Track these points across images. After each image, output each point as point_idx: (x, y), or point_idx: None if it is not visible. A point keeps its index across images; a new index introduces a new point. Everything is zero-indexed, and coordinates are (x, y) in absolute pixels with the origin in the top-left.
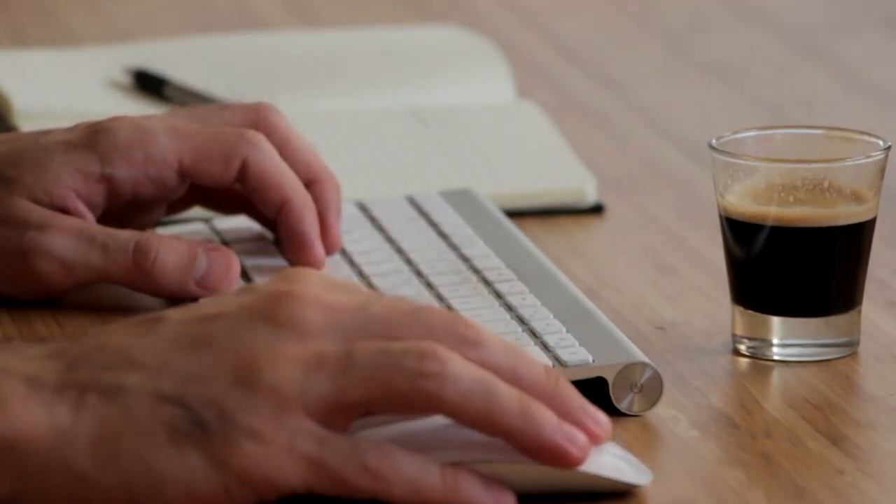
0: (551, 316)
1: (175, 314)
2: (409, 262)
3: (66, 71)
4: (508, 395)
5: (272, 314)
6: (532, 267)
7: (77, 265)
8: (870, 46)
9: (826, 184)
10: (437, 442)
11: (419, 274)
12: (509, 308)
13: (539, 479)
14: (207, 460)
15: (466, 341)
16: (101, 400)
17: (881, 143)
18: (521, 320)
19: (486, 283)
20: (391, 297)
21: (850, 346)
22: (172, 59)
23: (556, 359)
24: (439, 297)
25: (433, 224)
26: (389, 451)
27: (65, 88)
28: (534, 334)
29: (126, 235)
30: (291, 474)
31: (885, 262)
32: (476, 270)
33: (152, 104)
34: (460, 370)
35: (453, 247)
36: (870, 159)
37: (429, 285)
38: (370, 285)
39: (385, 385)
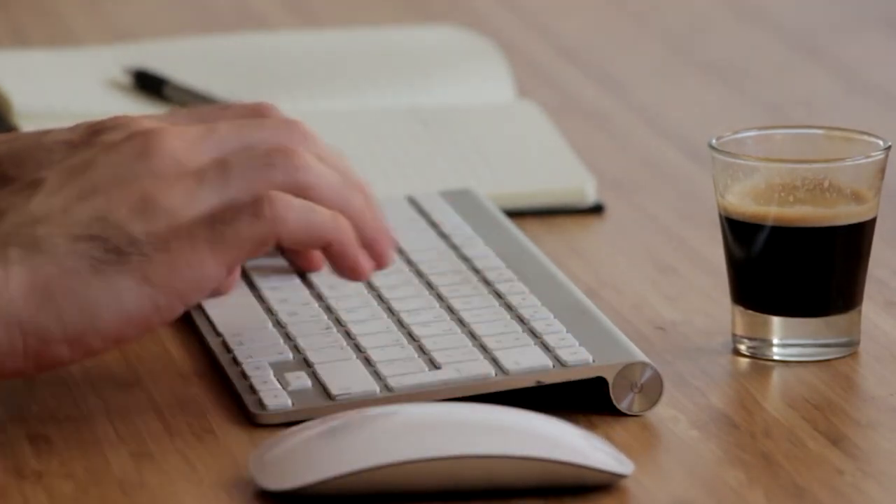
0: (551, 316)
1: (49, 174)
2: (409, 262)
3: (66, 71)
4: (355, 185)
5: (142, 150)
6: (532, 267)
7: None
8: (870, 46)
9: (826, 184)
10: (435, 434)
11: (419, 274)
12: (509, 308)
13: (531, 473)
14: (130, 279)
15: (305, 139)
16: (23, 252)
17: (881, 143)
18: (521, 320)
19: (486, 283)
20: (230, 118)
21: (850, 346)
22: (172, 59)
23: (557, 359)
24: (439, 297)
25: (433, 224)
26: (276, 197)
27: (65, 88)
28: (534, 334)
29: None
30: (202, 264)
31: (885, 262)
32: (476, 270)
33: (152, 104)
34: (316, 163)
35: (453, 247)
36: (870, 159)
37: (429, 285)
38: (370, 285)
39: (264, 182)
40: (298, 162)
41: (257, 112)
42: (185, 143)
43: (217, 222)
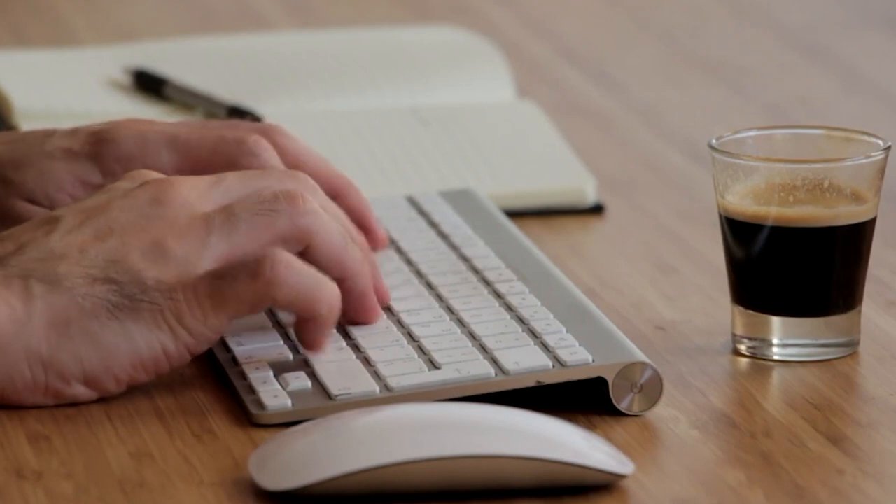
0: (551, 316)
1: (66, 212)
2: (409, 262)
3: (66, 71)
4: (354, 239)
5: (155, 197)
6: (532, 267)
7: None
8: (870, 46)
9: (826, 184)
10: (435, 434)
11: (419, 274)
12: (509, 308)
13: (531, 473)
14: (143, 325)
15: (309, 188)
16: (45, 288)
17: (881, 143)
18: (521, 320)
19: (486, 283)
20: (234, 172)
21: (850, 346)
22: (172, 60)
23: (556, 359)
24: (439, 297)
25: (433, 224)
26: (279, 259)
27: (65, 88)
28: (534, 334)
29: None
30: (205, 317)
31: (885, 262)
32: (476, 270)
33: (152, 104)
34: (320, 209)
35: (453, 247)
36: (870, 159)
37: (429, 285)
38: None
39: (270, 226)
40: (303, 207)
41: (264, 132)
42: (195, 192)
43: (217, 279)
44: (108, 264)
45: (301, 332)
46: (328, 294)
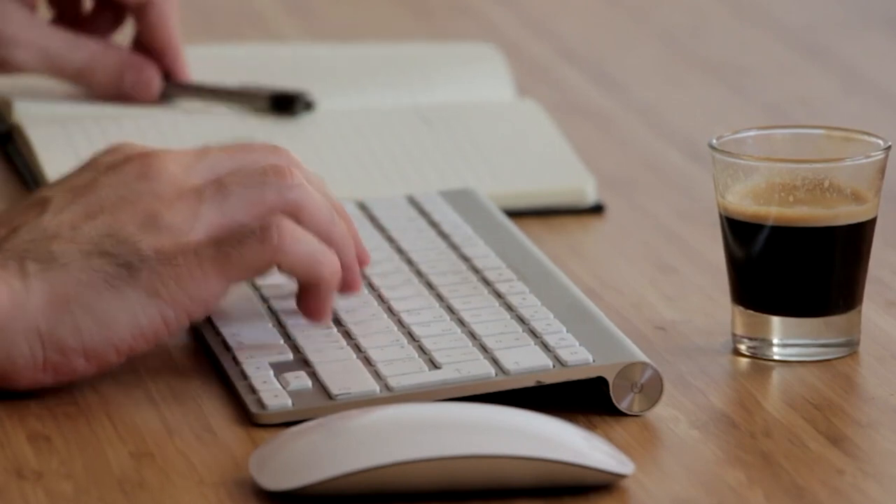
0: (551, 316)
1: (55, 192)
2: (409, 262)
3: None
4: (339, 213)
5: (143, 171)
6: (532, 267)
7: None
8: (870, 46)
9: (826, 184)
10: (435, 434)
11: (419, 274)
12: (509, 308)
13: (531, 473)
14: (141, 293)
15: (293, 162)
16: (41, 267)
17: (881, 143)
18: (521, 320)
19: (486, 283)
20: (217, 144)
21: (850, 346)
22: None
23: (557, 359)
24: (439, 297)
25: (433, 224)
26: (285, 227)
27: (65, 89)
28: (534, 334)
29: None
30: (207, 282)
31: (885, 262)
32: (476, 270)
33: (151, 102)
34: (306, 183)
35: (453, 247)
36: (870, 159)
37: (429, 285)
38: (370, 285)
39: (259, 201)
40: (291, 181)
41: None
42: (181, 165)
43: (224, 244)
44: (103, 238)
45: (305, 301)
46: (331, 260)
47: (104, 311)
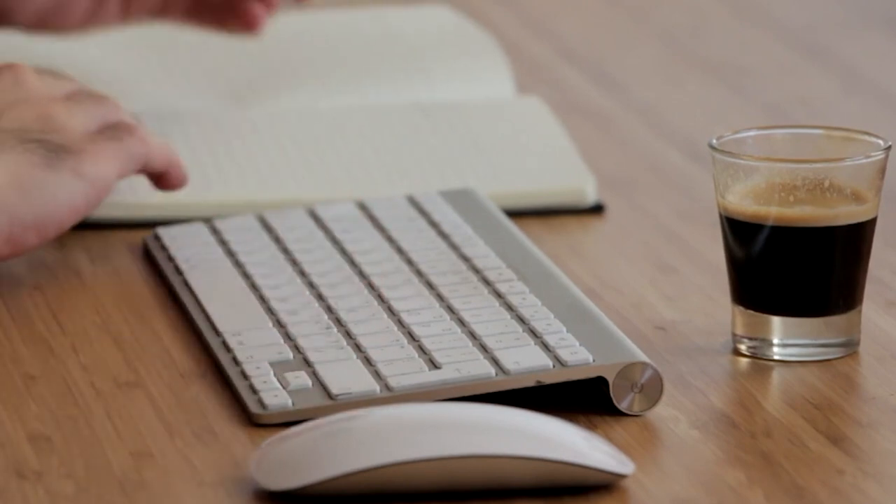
0: (551, 316)
1: None
2: (409, 262)
3: None
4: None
5: (17, 79)
6: (532, 267)
7: None
8: (870, 46)
9: (826, 184)
10: (435, 434)
11: (419, 274)
12: (509, 308)
13: (531, 473)
14: (70, 175)
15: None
16: None
17: (881, 143)
18: (521, 320)
19: (486, 283)
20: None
21: (851, 346)
22: (171, 50)
23: (557, 359)
24: (439, 297)
25: (433, 224)
26: (139, 131)
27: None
28: (534, 334)
29: None
30: (109, 167)
31: (886, 262)
32: (476, 270)
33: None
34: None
35: (453, 247)
36: (870, 159)
37: (429, 285)
38: (370, 285)
39: (115, 106)
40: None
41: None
42: (36, 75)
43: (113, 136)
44: (22, 131)
45: (168, 178)
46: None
47: (48, 189)
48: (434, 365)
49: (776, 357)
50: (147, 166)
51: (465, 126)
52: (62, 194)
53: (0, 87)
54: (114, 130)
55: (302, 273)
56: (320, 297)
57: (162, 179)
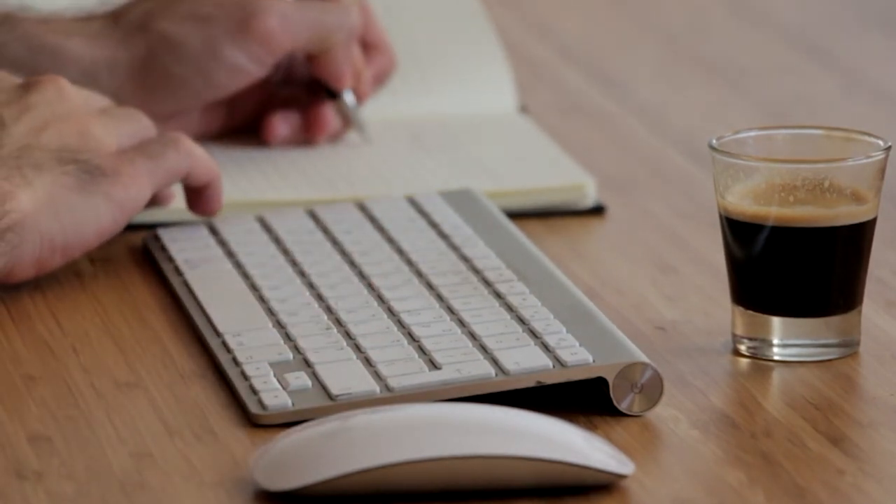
0: (552, 316)
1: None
2: (409, 262)
3: None
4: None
5: (58, 93)
6: (532, 267)
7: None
8: (870, 46)
9: (826, 184)
10: (435, 434)
11: (419, 274)
12: (510, 308)
13: (531, 473)
14: (100, 197)
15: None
16: (35, 173)
17: (881, 143)
18: (521, 321)
19: (487, 283)
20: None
21: (851, 346)
22: None
23: (557, 359)
24: (440, 298)
25: (433, 224)
26: (184, 136)
27: None
28: (534, 334)
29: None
30: (142, 187)
31: (886, 262)
32: (476, 271)
33: None
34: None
35: (453, 247)
36: (870, 159)
37: (429, 285)
38: (370, 286)
39: (149, 123)
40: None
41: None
42: (74, 88)
43: (149, 153)
44: (62, 150)
45: (206, 198)
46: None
47: (80, 213)
48: (434, 365)
49: (776, 357)
50: (189, 178)
51: (460, 144)
52: (91, 218)
53: (44, 100)
54: (156, 145)
55: (302, 273)
56: (320, 298)
57: (199, 197)
